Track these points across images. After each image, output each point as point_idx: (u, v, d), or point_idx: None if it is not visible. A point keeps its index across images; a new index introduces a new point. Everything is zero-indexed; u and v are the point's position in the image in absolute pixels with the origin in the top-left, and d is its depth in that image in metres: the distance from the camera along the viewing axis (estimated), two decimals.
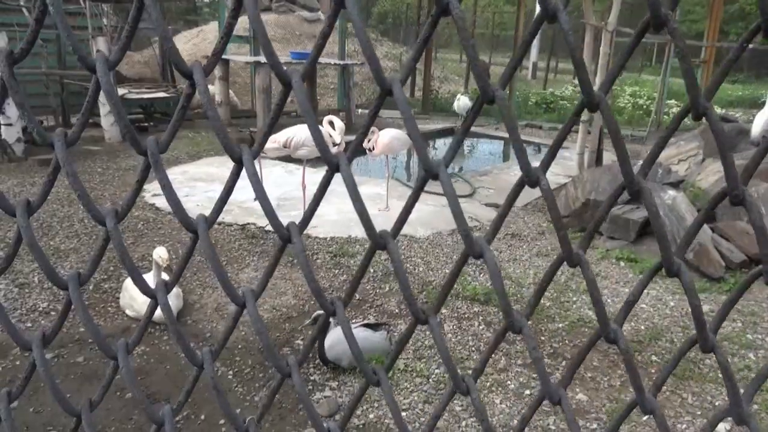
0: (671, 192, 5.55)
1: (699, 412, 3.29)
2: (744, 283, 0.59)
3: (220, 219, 6.02)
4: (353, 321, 4.05)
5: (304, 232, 4.07)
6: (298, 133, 5.57)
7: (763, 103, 9.29)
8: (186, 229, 0.67)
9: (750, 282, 0.59)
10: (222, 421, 3.07)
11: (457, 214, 0.57)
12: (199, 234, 0.63)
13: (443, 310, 4.33)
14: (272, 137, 5.73)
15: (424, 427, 0.70)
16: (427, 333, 4.03)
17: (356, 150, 0.66)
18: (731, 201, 0.54)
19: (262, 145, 0.65)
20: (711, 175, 6.30)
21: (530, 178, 0.57)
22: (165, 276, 3.98)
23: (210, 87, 11.50)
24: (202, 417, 3.12)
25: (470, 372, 0.68)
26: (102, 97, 8.94)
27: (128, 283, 3.99)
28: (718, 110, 13.78)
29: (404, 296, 0.61)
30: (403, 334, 0.69)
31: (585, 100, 0.55)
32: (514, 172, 8.57)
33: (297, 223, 0.64)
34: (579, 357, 0.63)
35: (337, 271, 4.93)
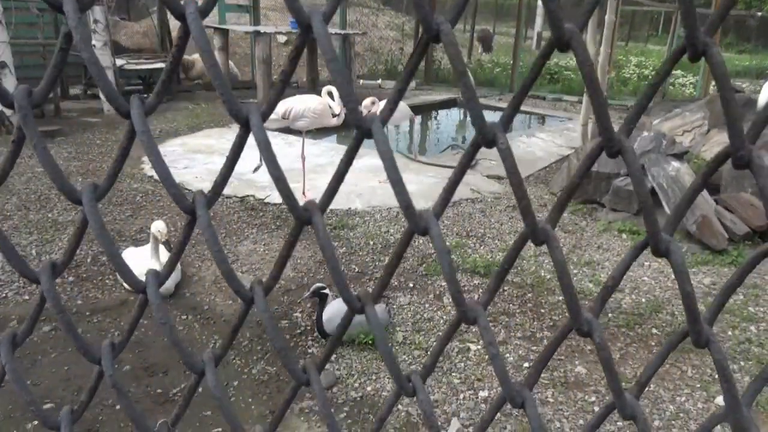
0: (675, 163, 5.47)
1: (698, 385, 3.28)
2: (749, 264, 0.50)
3: None
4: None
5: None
6: (297, 104, 5.49)
7: None
8: (69, 200, 0.57)
9: (755, 264, 0.51)
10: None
11: (396, 181, 0.47)
12: (85, 209, 0.54)
13: (443, 283, 4.30)
14: None
15: (373, 425, 0.60)
16: (427, 305, 4.01)
17: (271, 107, 0.54)
18: (734, 163, 0.44)
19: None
20: (716, 146, 6.21)
21: (485, 135, 0.47)
22: (163, 249, 3.96)
23: None
24: (200, 390, 3.09)
25: (419, 369, 0.58)
26: None
27: (125, 255, 3.96)
28: None
29: (334, 280, 0.51)
30: (340, 324, 0.58)
31: (553, 37, 0.43)
32: (517, 144, 8.48)
33: (208, 192, 0.55)
34: (547, 352, 0.55)
35: (336, 243, 4.90)
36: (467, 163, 0.49)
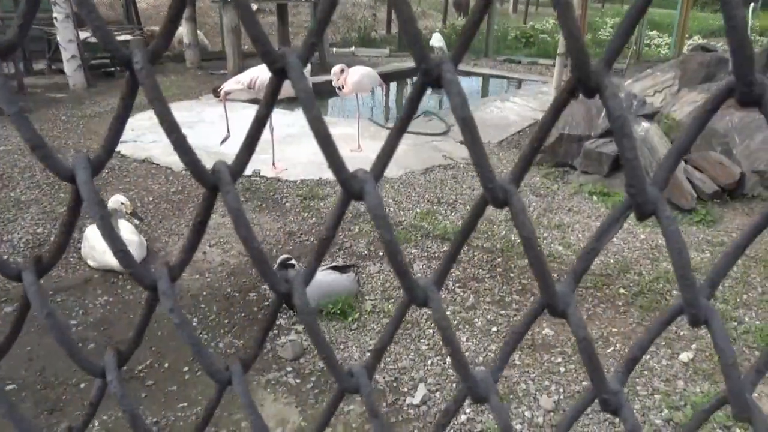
0: (645, 124, 5.47)
1: (663, 343, 3.31)
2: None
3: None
4: (321, 263, 4.00)
5: (275, 175, 3.96)
6: (263, 73, 5.37)
7: None
8: (57, 176, 0.45)
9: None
10: (186, 368, 3.05)
11: (479, 154, 0.38)
12: (80, 188, 0.43)
13: (413, 250, 4.29)
14: (236, 78, 5.55)
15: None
16: None
17: (310, 49, 0.41)
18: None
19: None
20: (686, 106, 6.21)
21: (588, 81, 0.37)
22: (126, 224, 3.89)
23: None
24: (166, 365, 3.08)
25: (489, 369, 0.46)
26: (64, 41, 8.59)
27: (89, 233, 3.89)
28: (700, 40, 13.57)
29: (394, 267, 0.41)
30: (392, 320, 0.46)
31: None
32: (490, 109, 8.42)
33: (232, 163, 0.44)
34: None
35: (306, 214, 4.85)
36: (559, 111, 0.41)
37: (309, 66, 5.64)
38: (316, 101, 0.39)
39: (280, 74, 0.40)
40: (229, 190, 0.42)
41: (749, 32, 6.86)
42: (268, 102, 0.42)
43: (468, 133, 0.38)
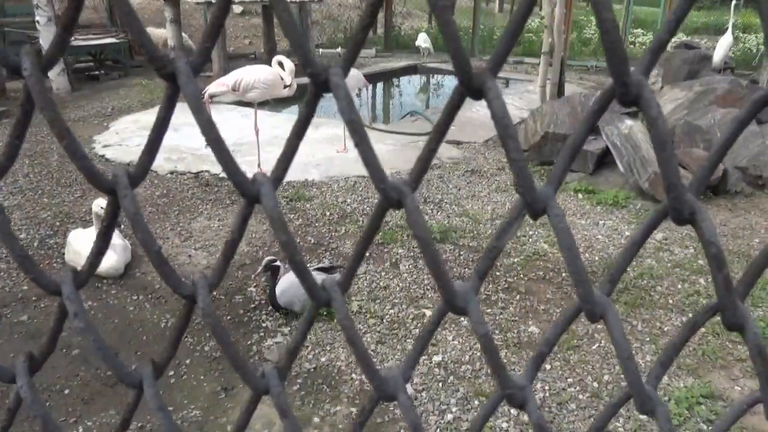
0: (628, 121, 5.51)
1: (648, 339, 3.34)
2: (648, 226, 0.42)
3: (172, 168, 5.89)
4: (308, 265, 4.00)
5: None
6: (247, 75, 5.36)
7: (726, 30, 9.21)
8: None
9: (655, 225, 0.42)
10: (171, 372, 3.03)
11: (368, 155, 0.39)
12: None
13: (399, 250, 4.29)
14: (220, 80, 5.53)
15: None
16: (383, 274, 4.00)
17: (202, 54, 0.42)
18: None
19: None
20: (669, 103, 6.25)
21: (470, 84, 0.38)
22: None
23: (161, 30, 11.08)
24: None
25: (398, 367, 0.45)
26: (47, 45, 8.53)
27: (72, 237, 3.86)
28: (684, 37, 13.68)
29: (293, 267, 0.41)
30: (304, 318, 0.46)
31: None
32: (476, 108, 8.44)
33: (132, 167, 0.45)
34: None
35: (292, 215, 4.85)
36: (452, 113, 0.40)
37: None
38: (204, 105, 0.40)
39: (170, 80, 0.40)
40: (126, 194, 0.42)
41: (732, 29, 6.86)
42: (165, 107, 0.42)
43: (355, 134, 0.39)
